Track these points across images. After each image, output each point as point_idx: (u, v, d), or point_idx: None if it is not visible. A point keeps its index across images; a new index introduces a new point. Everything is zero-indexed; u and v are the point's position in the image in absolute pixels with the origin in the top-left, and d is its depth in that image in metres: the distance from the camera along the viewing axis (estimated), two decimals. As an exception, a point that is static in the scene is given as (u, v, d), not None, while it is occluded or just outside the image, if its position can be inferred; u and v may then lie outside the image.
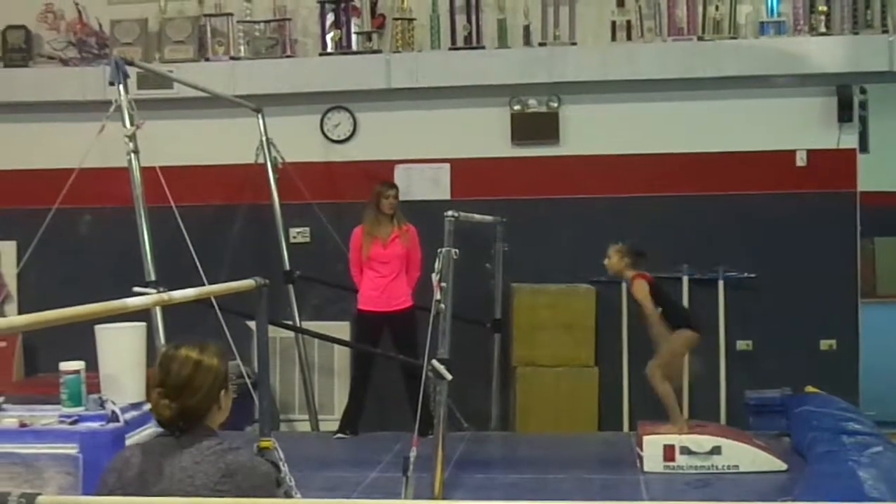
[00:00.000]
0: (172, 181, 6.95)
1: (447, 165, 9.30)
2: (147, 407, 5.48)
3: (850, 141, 8.94)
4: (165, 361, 3.20)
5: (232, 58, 9.39)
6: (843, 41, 8.78)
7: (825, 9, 8.77)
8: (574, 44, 9.09)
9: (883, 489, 5.66)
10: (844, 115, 8.84)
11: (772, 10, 8.92)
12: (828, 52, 8.75)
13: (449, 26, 9.22)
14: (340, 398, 8.93)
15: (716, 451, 7.04)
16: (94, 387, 5.50)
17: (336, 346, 9.04)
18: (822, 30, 8.78)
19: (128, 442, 5.07)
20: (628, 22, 9.07)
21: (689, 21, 8.97)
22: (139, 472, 3.14)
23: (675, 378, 7.79)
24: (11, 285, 9.37)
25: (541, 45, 9.11)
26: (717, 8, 8.92)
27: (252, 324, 7.00)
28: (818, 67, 8.73)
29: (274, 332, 7.16)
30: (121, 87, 6.79)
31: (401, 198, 8.51)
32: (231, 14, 9.43)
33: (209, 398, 3.21)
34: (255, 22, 9.41)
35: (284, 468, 4.91)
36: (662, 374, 7.39)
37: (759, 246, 8.92)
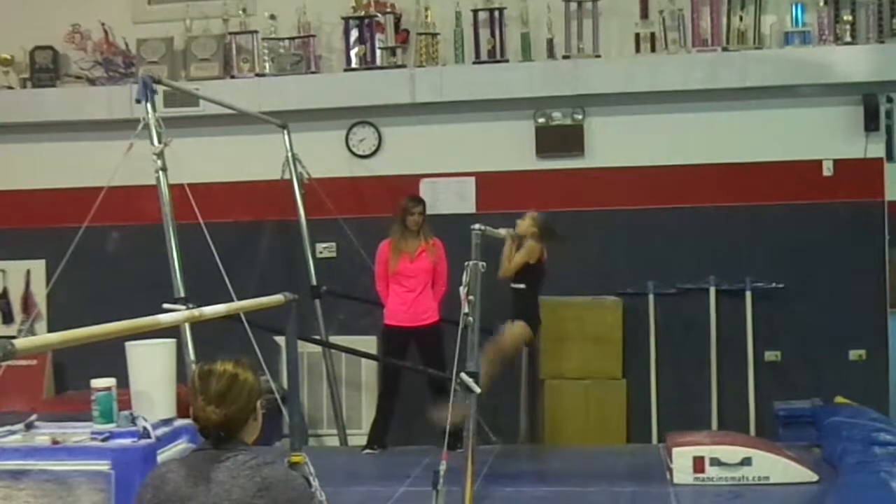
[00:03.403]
0: (200, 198, 6.98)
1: (472, 179, 9.32)
2: (178, 423, 5.54)
3: (877, 150, 8.89)
4: (204, 374, 3.23)
5: (257, 75, 9.45)
6: (868, 50, 8.74)
7: (850, 18, 8.75)
8: (598, 56, 9.09)
9: (915, 499, 5.63)
10: (871, 124, 8.80)
11: (796, 20, 8.90)
12: (853, 62, 8.71)
13: (473, 40, 9.25)
14: (368, 413, 8.95)
15: (746, 462, 6.99)
16: (124, 403, 5.53)
17: (363, 361, 9.06)
18: (847, 39, 8.74)
19: (159, 458, 5.08)
20: (652, 34, 9.06)
21: (713, 32, 8.95)
22: (175, 487, 3.15)
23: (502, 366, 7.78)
24: (41, 304, 9.42)
25: (565, 57, 9.11)
26: (741, 18, 8.91)
27: (279, 339, 7.08)
28: (844, 77, 8.70)
29: (301, 347, 7.15)
30: (148, 104, 6.83)
31: (427, 212, 8.53)
32: (256, 31, 9.51)
33: (248, 408, 3.26)
34: (279, 39, 9.47)
35: (315, 483, 4.92)
36: (496, 358, 7.50)
37: (787, 256, 8.88)
